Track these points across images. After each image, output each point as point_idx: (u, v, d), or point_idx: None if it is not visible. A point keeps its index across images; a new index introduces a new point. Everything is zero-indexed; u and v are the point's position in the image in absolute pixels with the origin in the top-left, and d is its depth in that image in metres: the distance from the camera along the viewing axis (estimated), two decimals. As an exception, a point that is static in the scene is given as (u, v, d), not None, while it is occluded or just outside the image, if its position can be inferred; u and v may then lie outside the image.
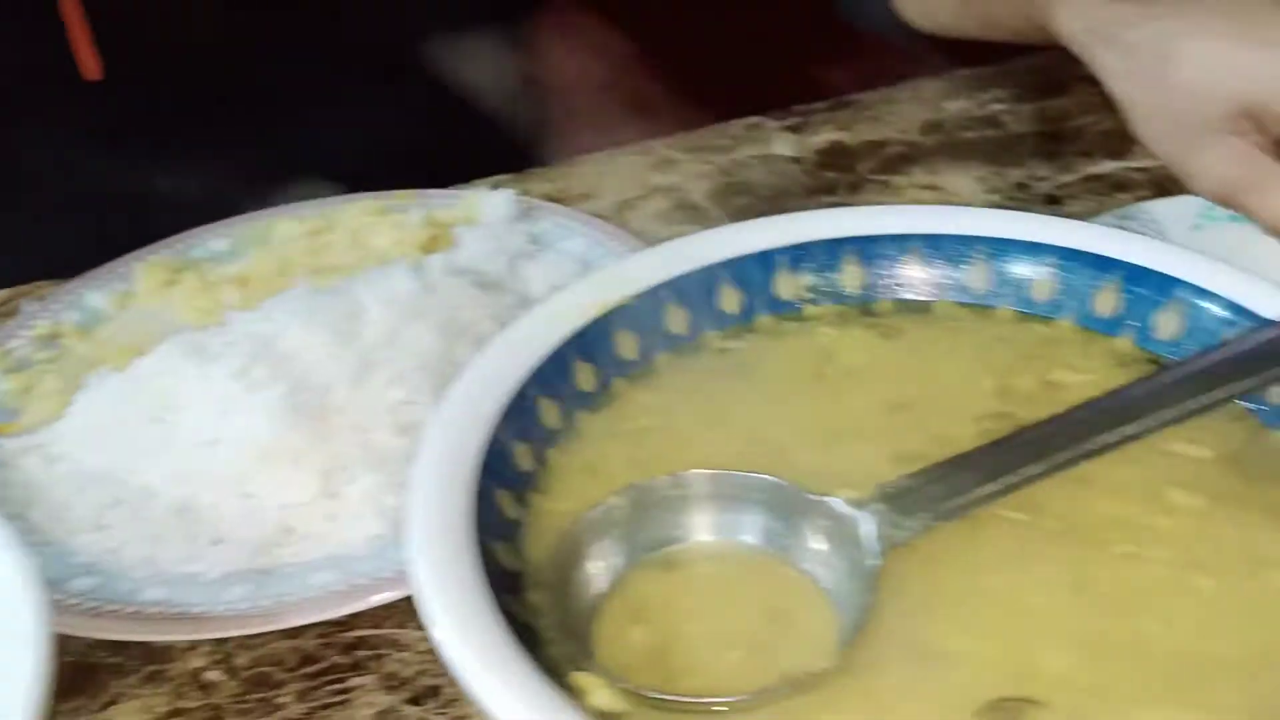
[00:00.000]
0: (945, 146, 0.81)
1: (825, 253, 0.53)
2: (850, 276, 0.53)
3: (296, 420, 0.49)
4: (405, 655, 0.47)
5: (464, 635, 0.35)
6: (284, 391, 0.50)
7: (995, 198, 0.75)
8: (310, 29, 0.84)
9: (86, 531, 0.49)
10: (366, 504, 0.49)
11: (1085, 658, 0.37)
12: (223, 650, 0.47)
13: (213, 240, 0.70)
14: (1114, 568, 0.40)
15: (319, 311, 0.53)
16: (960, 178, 0.77)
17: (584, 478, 0.45)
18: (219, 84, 0.81)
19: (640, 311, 0.50)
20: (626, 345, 0.50)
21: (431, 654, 0.43)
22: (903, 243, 0.53)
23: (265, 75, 0.80)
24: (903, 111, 0.86)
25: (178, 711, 0.45)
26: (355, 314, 0.53)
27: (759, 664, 0.39)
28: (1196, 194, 0.55)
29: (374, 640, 0.47)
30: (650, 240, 0.62)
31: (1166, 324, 0.49)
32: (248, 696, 0.45)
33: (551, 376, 0.47)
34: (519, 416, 0.45)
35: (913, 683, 0.37)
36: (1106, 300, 0.50)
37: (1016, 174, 0.77)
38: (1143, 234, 0.62)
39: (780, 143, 0.84)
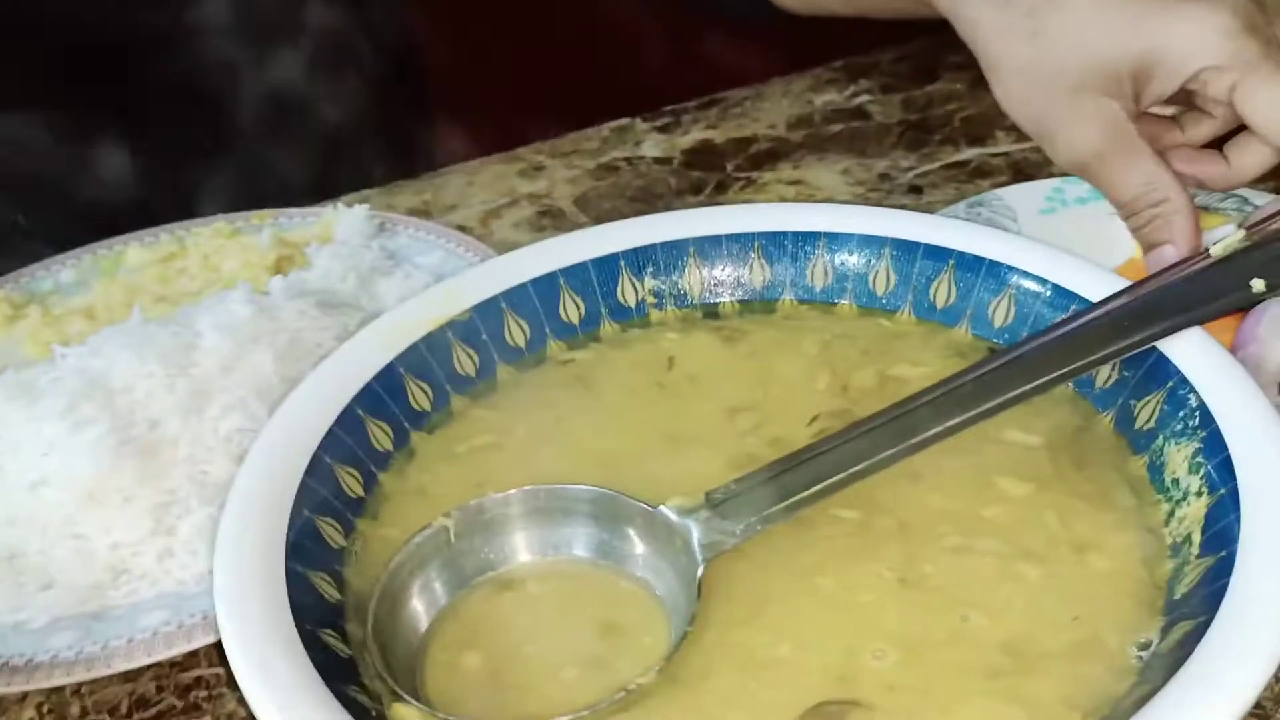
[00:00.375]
0: (812, 141, 0.81)
1: (667, 255, 0.52)
2: (693, 279, 0.52)
3: (125, 457, 0.48)
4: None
5: (263, 677, 0.34)
6: (111, 428, 0.48)
7: (859, 189, 0.75)
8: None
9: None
10: (201, 539, 0.47)
11: (910, 656, 0.37)
12: (57, 699, 0.46)
13: (60, 271, 0.68)
14: (942, 561, 0.40)
15: (151, 343, 0.51)
16: (825, 172, 0.77)
17: (417, 501, 0.44)
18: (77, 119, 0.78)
19: (477, 326, 0.49)
20: (464, 361, 0.49)
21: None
22: (745, 242, 0.52)
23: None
24: (772, 107, 0.86)
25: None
26: (190, 343, 0.52)
27: (594, 680, 0.38)
28: (1055, 160, 0.54)
29: (211, 680, 0.45)
30: (513, 250, 0.61)
31: (1000, 311, 0.49)
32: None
33: (382, 397, 0.46)
34: (347, 440, 0.44)
35: (737, 691, 0.36)
36: (943, 290, 0.50)
37: (881, 165, 0.77)
38: (992, 220, 0.63)
39: (649, 144, 0.83)
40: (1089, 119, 0.52)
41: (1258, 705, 0.42)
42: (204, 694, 0.45)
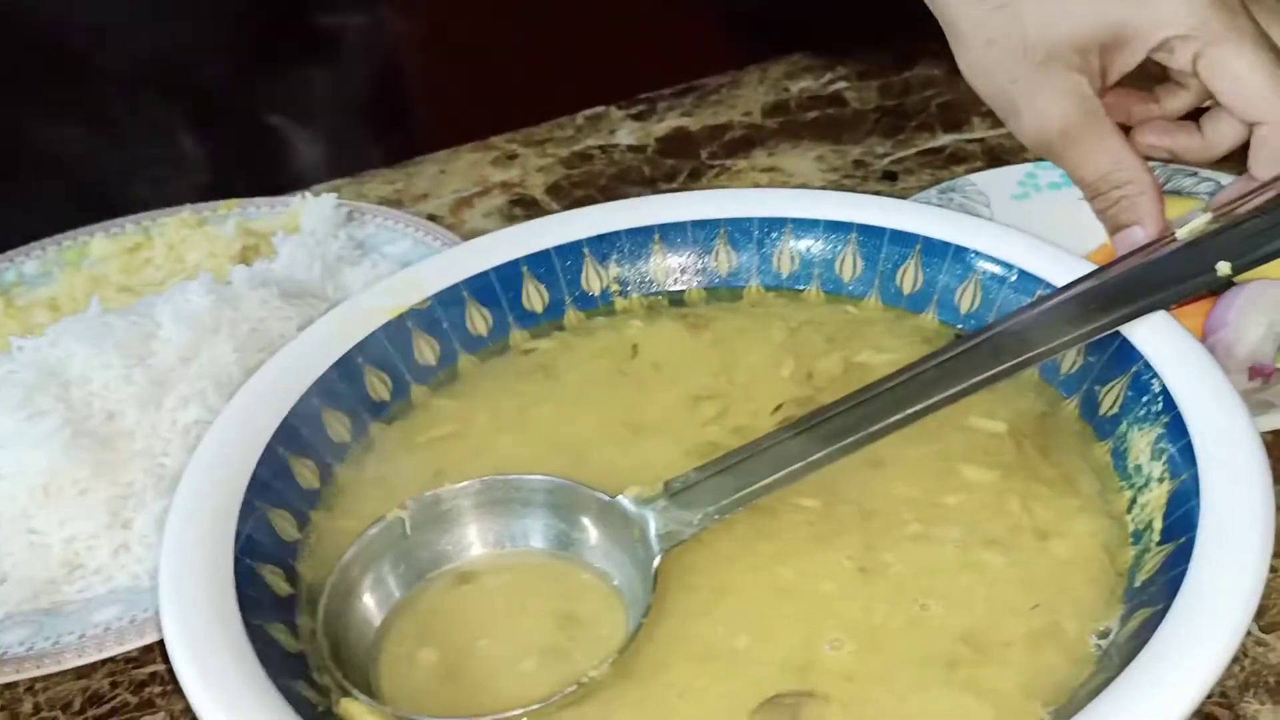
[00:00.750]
0: (787, 127, 0.80)
1: (632, 242, 0.52)
2: (658, 266, 0.52)
3: (81, 449, 0.47)
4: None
5: (203, 673, 0.33)
6: (67, 420, 0.47)
7: (833, 176, 0.75)
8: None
9: None
10: (157, 532, 0.47)
11: (867, 646, 0.37)
12: (9, 695, 0.45)
13: (24, 263, 0.67)
14: (904, 550, 0.39)
15: (109, 333, 0.50)
16: (800, 158, 0.77)
17: (374, 492, 0.44)
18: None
19: (438, 314, 0.49)
20: (424, 350, 0.48)
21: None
22: (709, 228, 0.52)
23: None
24: (747, 94, 0.85)
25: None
26: (149, 333, 0.51)
27: (552, 672, 0.38)
28: (1020, 136, 0.53)
29: (165, 676, 0.45)
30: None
31: (967, 298, 0.48)
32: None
33: (339, 387, 0.45)
34: (302, 431, 0.43)
35: (691, 684, 0.36)
36: (909, 276, 0.49)
37: (856, 151, 0.77)
38: (965, 205, 0.62)
39: (624, 131, 0.82)
40: (1056, 93, 0.51)
41: (1222, 694, 0.42)
42: (158, 690, 0.44)
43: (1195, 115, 0.55)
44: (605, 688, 0.36)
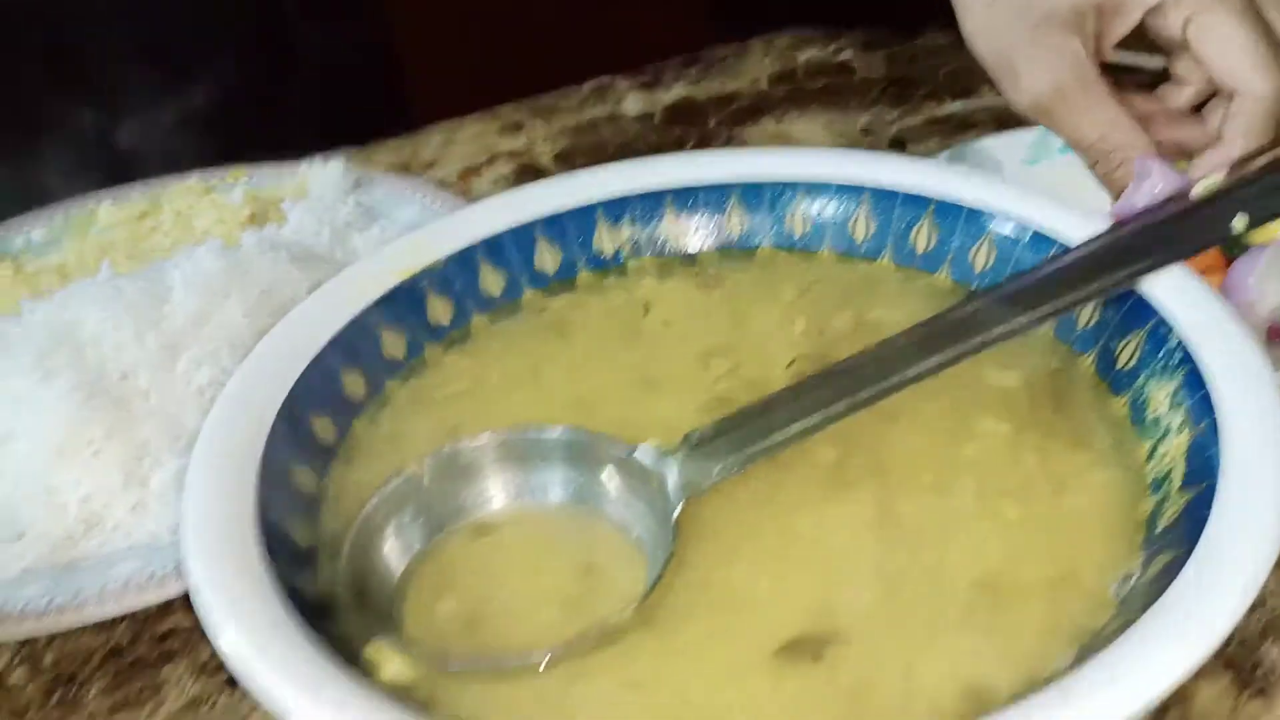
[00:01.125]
0: (794, 95, 0.80)
1: (644, 205, 0.52)
2: (671, 227, 0.52)
3: (95, 409, 0.47)
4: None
5: (232, 615, 0.33)
6: (80, 380, 0.47)
7: (841, 143, 0.75)
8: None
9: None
10: (173, 491, 0.47)
11: (886, 592, 0.37)
12: (29, 650, 0.45)
13: (32, 230, 0.67)
14: (920, 500, 0.39)
15: (120, 296, 0.50)
16: (808, 125, 0.77)
17: (390, 447, 0.44)
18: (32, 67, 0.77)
19: (452, 274, 0.49)
20: (438, 309, 0.48)
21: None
22: (722, 191, 0.52)
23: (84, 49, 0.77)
24: (754, 64, 0.85)
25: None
26: (161, 297, 0.51)
27: (572, 621, 0.38)
28: (1017, 100, 0.53)
29: (185, 629, 0.45)
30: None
31: (980, 256, 0.48)
32: (51, 695, 0.43)
33: (356, 345, 0.45)
34: (319, 388, 0.43)
35: (713, 629, 0.36)
36: (922, 236, 0.49)
37: (863, 119, 0.77)
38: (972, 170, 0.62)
39: (630, 101, 0.82)
40: (1052, 54, 0.51)
41: (1240, 641, 0.42)
42: (178, 644, 0.45)
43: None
44: (628, 634, 0.36)
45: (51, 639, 0.45)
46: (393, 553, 0.40)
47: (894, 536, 0.38)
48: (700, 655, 0.36)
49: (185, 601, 0.46)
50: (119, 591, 0.43)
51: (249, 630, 0.33)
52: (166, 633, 0.45)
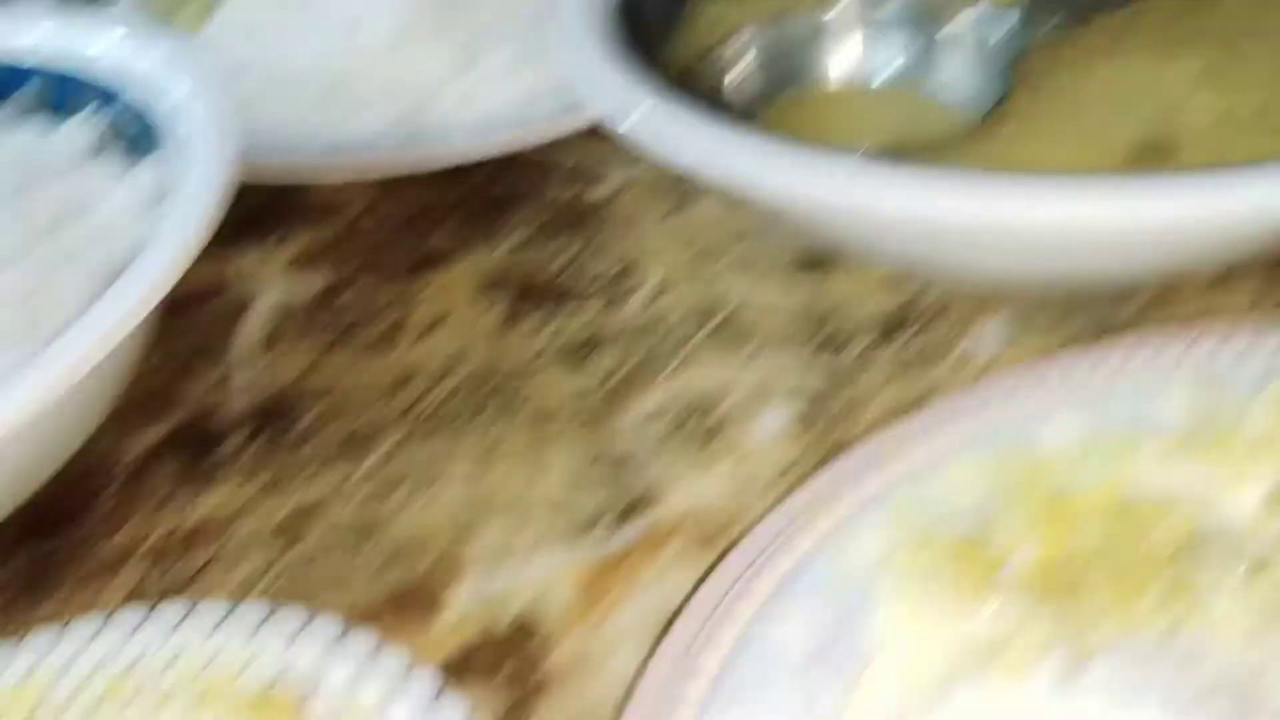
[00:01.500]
0: None
1: None
2: None
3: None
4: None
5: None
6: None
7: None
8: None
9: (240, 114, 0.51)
10: (506, 75, 0.51)
11: (1224, 120, 0.38)
12: (377, 195, 0.50)
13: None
14: (1257, 53, 0.41)
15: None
16: None
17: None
18: None
19: None
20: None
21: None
22: None
23: None
24: None
25: (337, 243, 0.48)
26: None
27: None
28: None
29: (533, 174, 0.49)
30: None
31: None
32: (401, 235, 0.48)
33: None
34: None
35: (1060, 131, 0.38)
36: None
37: None
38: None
39: None
40: None
41: None
42: (524, 188, 0.49)
43: None
44: (964, 143, 0.39)
45: (392, 191, 0.49)
46: (734, 99, 0.44)
47: (1227, 84, 0.40)
48: (1053, 152, 0.38)
49: (523, 166, 0.50)
50: (465, 149, 0.48)
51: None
52: (502, 194, 0.49)
